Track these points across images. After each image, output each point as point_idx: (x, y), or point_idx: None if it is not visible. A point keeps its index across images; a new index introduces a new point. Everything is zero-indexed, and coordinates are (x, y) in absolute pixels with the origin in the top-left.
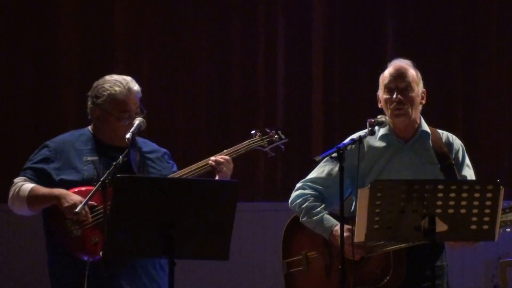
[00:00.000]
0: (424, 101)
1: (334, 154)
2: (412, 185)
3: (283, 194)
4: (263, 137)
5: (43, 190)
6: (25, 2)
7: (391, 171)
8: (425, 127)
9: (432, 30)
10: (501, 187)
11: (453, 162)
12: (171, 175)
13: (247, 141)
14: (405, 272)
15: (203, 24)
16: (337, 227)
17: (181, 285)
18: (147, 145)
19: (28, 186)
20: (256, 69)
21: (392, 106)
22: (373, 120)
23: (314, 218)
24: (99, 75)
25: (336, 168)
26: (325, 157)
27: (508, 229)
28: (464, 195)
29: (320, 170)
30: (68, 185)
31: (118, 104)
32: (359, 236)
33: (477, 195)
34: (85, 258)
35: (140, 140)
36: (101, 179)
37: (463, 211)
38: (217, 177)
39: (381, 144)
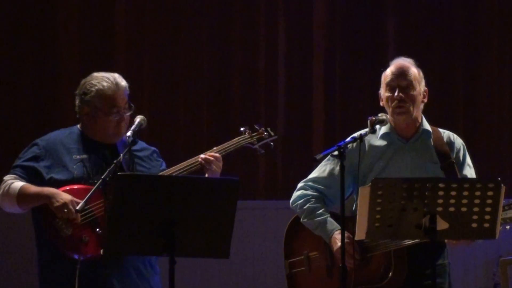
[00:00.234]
0: (426, 100)
1: (335, 152)
2: (413, 183)
3: (284, 192)
4: (253, 134)
5: (33, 189)
6: (25, 2)
7: (392, 170)
8: (427, 126)
9: (433, 29)
10: (502, 185)
11: (454, 161)
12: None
13: (236, 138)
14: (407, 270)
15: (204, 24)
16: (338, 232)
17: (182, 283)
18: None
19: (18, 184)
20: (257, 69)
21: (393, 104)
22: (374, 118)
23: (316, 219)
24: None
25: (337, 168)
26: (326, 155)
27: (508, 227)
28: (465, 193)
29: (322, 170)
30: (58, 183)
31: (107, 99)
32: (360, 234)
33: (478, 193)
34: (76, 256)
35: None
36: (102, 177)
37: (464, 209)
38: (206, 175)
39: (382, 143)
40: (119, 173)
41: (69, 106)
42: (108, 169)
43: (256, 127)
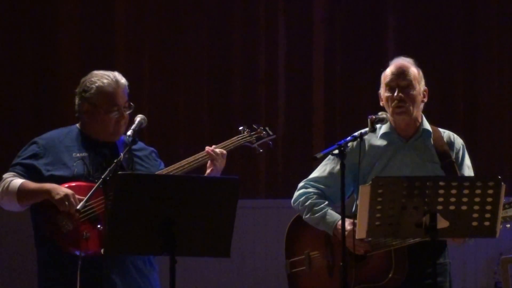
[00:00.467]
0: (426, 100)
1: (336, 151)
2: (413, 182)
3: (285, 191)
4: (251, 133)
5: (33, 185)
6: (25, 2)
7: (392, 169)
8: (427, 125)
9: (434, 28)
10: (503, 184)
11: (454, 160)
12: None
13: (235, 137)
14: (407, 269)
15: (204, 23)
16: (341, 221)
17: (182, 282)
18: None
19: (18, 181)
20: (257, 67)
21: (393, 104)
22: (374, 117)
23: (317, 214)
24: None
25: (338, 167)
26: (326, 154)
27: (508, 225)
28: (465, 191)
29: (322, 169)
30: (58, 180)
31: (107, 96)
32: (361, 233)
33: (478, 191)
34: (77, 252)
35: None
36: (102, 176)
37: (464, 207)
38: (208, 171)
39: (382, 142)
40: (119, 172)
41: (69, 105)
42: (109, 168)
43: (255, 126)
